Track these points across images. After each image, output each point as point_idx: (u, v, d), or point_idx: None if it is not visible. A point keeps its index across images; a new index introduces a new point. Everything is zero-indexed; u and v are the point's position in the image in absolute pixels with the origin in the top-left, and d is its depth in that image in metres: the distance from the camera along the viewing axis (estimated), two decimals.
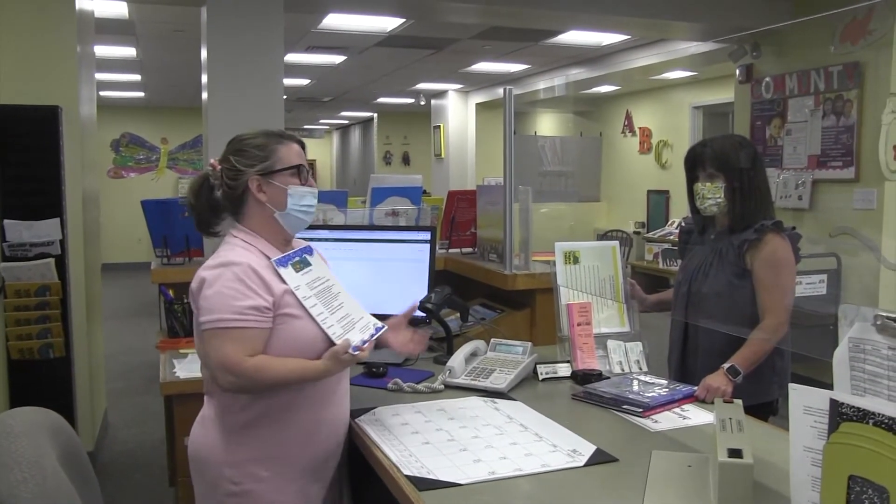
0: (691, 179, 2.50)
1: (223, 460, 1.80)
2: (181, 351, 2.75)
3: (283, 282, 1.82)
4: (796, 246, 2.41)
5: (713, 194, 2.41)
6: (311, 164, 2.12)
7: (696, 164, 2.47)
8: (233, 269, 1.76)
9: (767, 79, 5.73)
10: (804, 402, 1.21)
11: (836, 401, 1.11)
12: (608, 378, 2.28)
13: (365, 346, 1.80)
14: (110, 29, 6.32)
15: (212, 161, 1.91)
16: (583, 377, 2.28)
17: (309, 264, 1.91)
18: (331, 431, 1.90)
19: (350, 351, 1.77)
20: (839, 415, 1.10)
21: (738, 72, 6.06)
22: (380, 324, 1.92)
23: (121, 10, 5.78)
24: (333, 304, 1.88)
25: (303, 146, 1.94)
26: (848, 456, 1.09)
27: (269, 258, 1.83)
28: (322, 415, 1.87)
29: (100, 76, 8.58)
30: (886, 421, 1.03)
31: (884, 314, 1.10)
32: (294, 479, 1.84)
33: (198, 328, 1.80)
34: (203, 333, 1.76)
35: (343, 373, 1.93)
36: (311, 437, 1.85)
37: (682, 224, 2.73)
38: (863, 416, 1.07)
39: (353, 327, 1.86)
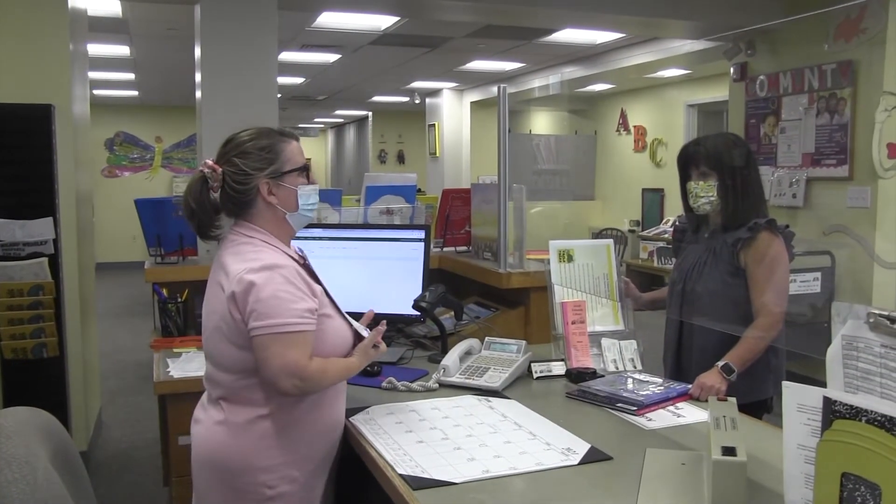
0: (684, 178, 2.50)
1: (258, 466, 1.76)
2: (175, 350, 2.74)
3: (317, 282, 1.85)
4: (790, 244, 2.41)
5: (706, 193, 2.41)
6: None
7: (689, 162, 2.48)
8: (281, 272, 1.73)
9: (762, 77, 5.73)
10: (797, 399, 1.21)
11: (829, 398, 1.11)
12: (602, 376, 2.28)
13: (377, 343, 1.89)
14: (104, 27, 6.30)
15: (210, 163, 1.82)
16: (577, 375, 2.28)
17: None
18: (341, 427, 1.93)
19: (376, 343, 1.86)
20: (832, 412, 1.10)
21: (732, 70, 6.07)
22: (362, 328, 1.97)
23: (114, 9, 5.76)
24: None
25: (298, 141, 1.94)
26: (841, 453, 1.09)
27: (295, 260, 1.84)
28: (337, 411, 1.90)
29: (93, 75, 8.55)
30: (879, 418, 1.03)
31: (876, 312, 1.10)
32: (318, 475, 1.87)
33: (228, 331, 1.75)
34: (259, 339, 1.70)
35: None
36: (332, 433, 1.88)
37: (677, 223, 2.73)
38: (855, 413, 1.07)
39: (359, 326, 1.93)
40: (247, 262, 1.75)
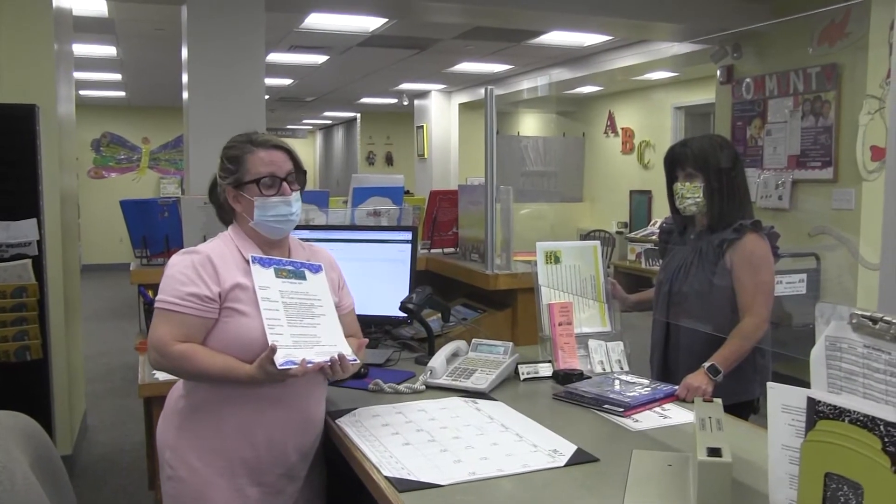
0: (671, 179, 2.51)
1: (165, 444, 1.86)
2: None
3: (248, 278, 1.81)
4: (775, 245, 2.42)
5: (692, 194, 2.42)
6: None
7: (675, 163, 2.48)
8: (192, 257, 1.83)
9: (748, 80, 5.77)
10: (782, 400, 1.22)
11: (812, 399, 1.12)
12: (589, 378, 2.28)
13: (297, 365, 1.68)
14: (90, 27, 6.26)
15: None
16: (564, 377, 2.28)
17: (301, 279, 1.88)
18: (278, 439, 1.84)
19: (276, 362, 1.67)
20: (816, 413, 1.11)
21: (718, 73, 6.10)
22: (352, 356, 1.81)
23: (100, 9, 5.72)
24: (302, 320, 1.81)
25: (286, 150, 1.92)
26: (824, 453, 1.09)
27: (243, 254, 1.86)
28: (265, 416, 1.82)
29: (80, 75, 8.51)
30: (861, 418, 1.04)
31: (859, 313, 1.11)
32: (228, 475, 1.81)
33: None
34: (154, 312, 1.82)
35: (312, 381, 1.86)
36: (251, 435, 1.82)
37: (663, 224, 2.74)
38: (839, 413, 1.07)
39: (308, 347, 1.76)
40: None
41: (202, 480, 1.80)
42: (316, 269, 1.94)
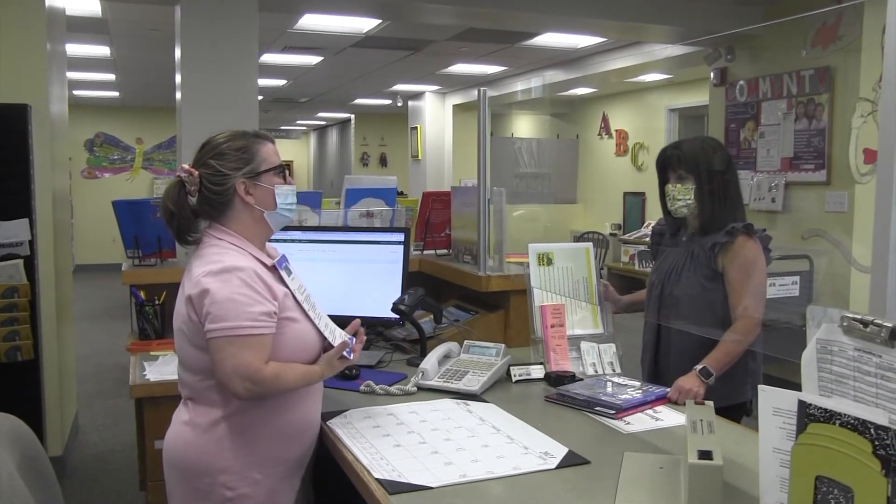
0: (663, 181, 2.50)
1: (218, 467, 1.76)
2: (152, 353, 2.71)
3: (284, 285, 1.83)
4: (767, 247, 2.42)
5: (683, 196, 2.41)
6: (289, 164, 2.12)
7: (667, 165, 2.48)
8: (239, 275, 1.73)
9: (741, 82, 5.78)
10: (773, 403, 1.21)
11: (803, 402, 1.12)
12: (581, 380, 2.28)
13: (353, 353, 1.86)
14: (83, 27, 6.23)
15: (187, 167, 1.84)
16: (556, 379, 2.27)
17: (290, 272, 1.91)
18: (313, 430, 1.92)
19: (345, 354, 1.83)
20: (807, 416, 1.11)
21: (712, 75, 6.12)
22: (346, 335, 1.93)
23: (94, 9, 5.70)
24: (316, 310, 1.90)
25: (273, 143, 1.94)
26: (815, 456, 1.09)
27: (263, 262, 1.83)
28: (307, 414, 1.88)
29: (73, 75, 8.49)
30: (852, 422, 1.04)
31: (850, 315, 1.11)
32: (284, 478, 1.85)
33: (189, 332, 1.77)
34: (214, 341, 1.70)
35: None
36: (301, 436, 1.87)
37: (655, 226, 2.74)
38: (829, 416, 1.07)
39: (334, 334, 1.89)
40: (208, 264, 1.76)
41: (265, 490, 1.80)
42: (287, 260, 1.94)
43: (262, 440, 1.80)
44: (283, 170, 1.90)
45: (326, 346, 1.88)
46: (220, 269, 1.74)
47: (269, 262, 1.85)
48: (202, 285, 1.72)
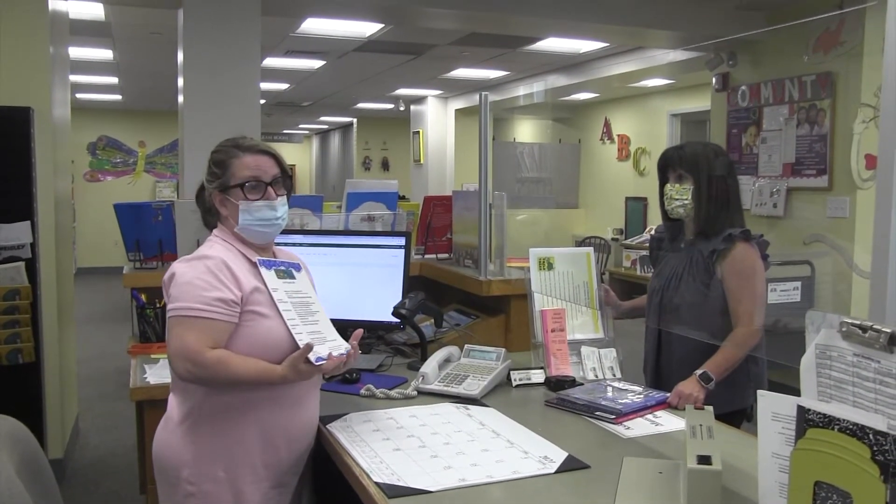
0: (663, 181, 2.50)
1: (181, 460, 1.80)
2: (153, 356, 2.71)
3: (261, 281, 1.84)
4: (765, 253, 2.42)
5: (681, 195, 2.41)
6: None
7: (667, 165, 2.48)
8: (205, 262, 1.80)
9: (743, 87, 5.78)
10: (772, 408, 1.21)
11: (802, 407, 1.12)
12: (582, 385, 2.28)
13: (326, 361, 1.75)
14: (86, 31, 6.25)
15: None
16: (556, 384, 2.27)
17: (293, 278, 1.92)
18: (295, 438, 1.88)
19: (311, 360, 1.73)
20: (806, 421, 1.11)
21: (714, 80, 6.12)
22: (348, 347, 1.86)
23: (97, 12, 5.71)
24: (308, 318, 1.87)
25: (272, 155, 1.92)
26: (814, 462, 1.09)
27: (249, 258, 1.87)
28: (286, 419, 1.85)
29: (76, 78, 8.50)
30: (851, 427, 1.04)
31: (849, 321, 1.11)
32: (253, 482, 1.82)
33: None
34: (168, 322, 1.77)
35: (315, 380, 1.91)
36: (273, 440, 1.83)
37: (654, 233, 2.73)
38: (828, 422, 1.07)
39: (323, 343, 1.82)
40: (188, 255, 1.86)
41: (229, 490, 1.79)
42: (298, 269, 1.98)
43: (226, 436, 1.79)
44: (257, 185, 1.87)
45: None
46: (192, 256, 1.84)
47: (254, 258, 1.87)
48: (172, 269, 1.82)
